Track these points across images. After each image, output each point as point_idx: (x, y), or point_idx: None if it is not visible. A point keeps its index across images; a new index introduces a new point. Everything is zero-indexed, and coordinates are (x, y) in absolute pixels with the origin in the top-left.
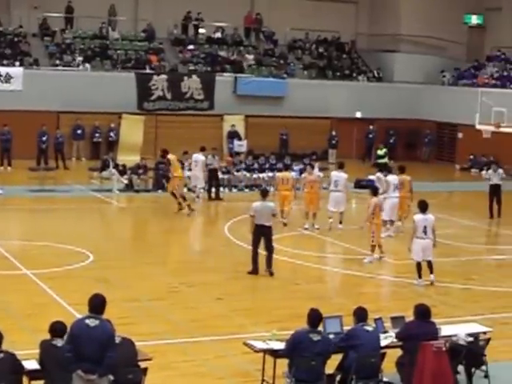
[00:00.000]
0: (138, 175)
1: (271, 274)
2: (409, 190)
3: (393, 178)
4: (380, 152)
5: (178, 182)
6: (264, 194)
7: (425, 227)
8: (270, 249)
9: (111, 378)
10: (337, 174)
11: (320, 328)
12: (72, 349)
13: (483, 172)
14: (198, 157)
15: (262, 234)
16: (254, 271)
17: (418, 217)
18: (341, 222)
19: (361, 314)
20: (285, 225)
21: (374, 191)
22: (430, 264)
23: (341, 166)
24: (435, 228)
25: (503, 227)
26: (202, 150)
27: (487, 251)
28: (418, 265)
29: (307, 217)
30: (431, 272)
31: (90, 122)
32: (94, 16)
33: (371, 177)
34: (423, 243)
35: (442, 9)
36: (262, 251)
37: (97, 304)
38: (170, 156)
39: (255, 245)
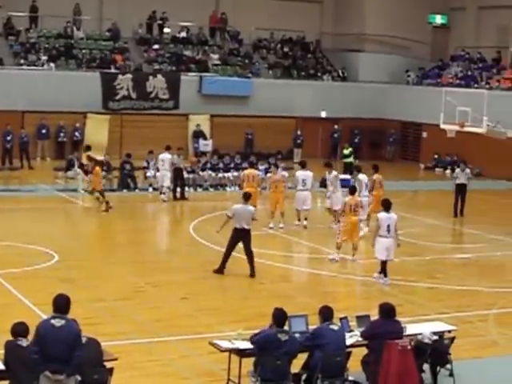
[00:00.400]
0: (103, 172)
1: (253, 275)
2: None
3: (363, 177)
4: (346, 151)
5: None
6: (246, 198)
7: (388, 226)
8: (249, 253)
9: (78, 378)
10: (303, 173)
11: (285, 327)
12: (39, 350)
13: (447, 171)
14: (165, 156)
15: (240, 237)
16: (220, 271)
17: (383, 215)
18: (306, 219)
19: (326, 313)
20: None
21: (352, 190)
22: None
23: (304, 165)
24: (397, 228)
25: (467, 226)
26: (168, 148)
27: (452, 250)
28: (383, 262)
29: (272, 216)
30: (383, 273)
31: (55, 121)
32: (58, 15)
33: (328, 176)
34: (387, 242)
35: (406, 8)
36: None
37: (61, 304)
38: (90, 153)
39: (231, 247)
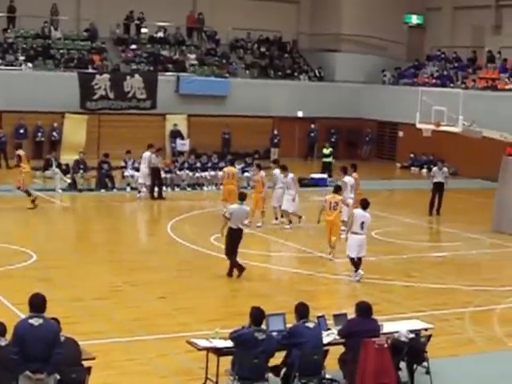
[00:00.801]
0: (81, 171)
1: (230, 275)
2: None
3: (349, 179)
4: (326, 151)
5: (27, 178)
6: (242, 198)
7: (362, 223)
8: (236, 252)
9: (57, 377)
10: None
11: (263, 326)
12: (19, 351)
13: (423, 170)
14: (146, 153)
15: (237, 237)
16: (241, 270)
17: (358, 212)
18: (282, 216)
19: (303, 310)
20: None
21: (336, 189)
22: (359, 260)
23: (279, 163)
24: (369, 228)
25: (443, 225)
26: (149, 147)
27: (428, 248)
28: (352, 260)
29: (252, 215)
30: (358, 268)
31: (33, 121)
32: (36, 15)
33: (283, 179)
34: (359, 239)
35: (382, 9)
36: (205, 250)
37: (38, 303)
38: (21, 152)
39: (231, 248)
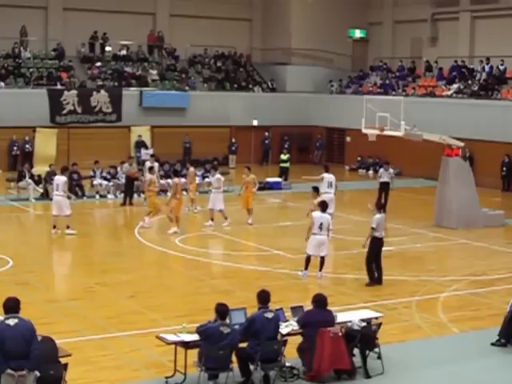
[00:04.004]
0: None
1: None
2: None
3: (328, 176)
4: (283, 157)
5: None
6: (380, 207)
7: (321, 224)
8: (380, 260)
9: (38, 374)
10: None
11: (227, 320)
12: None
13: (370, 172)
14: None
15: (381, 246)
16: (378, 281)
17: (316, 214)
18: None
19: (264, 297)
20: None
21: (317, 191)
22: (322, 260)
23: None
24: (331, 226)
25: (389, 221)
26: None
27: None
28: (308, 258)
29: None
30: (320, 268)
31: (6, 136)
32: (6, 37)
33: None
34: (319, 239)
35: (328, 24)
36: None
37: (12, 305)
38: None
39: (373, 257)
